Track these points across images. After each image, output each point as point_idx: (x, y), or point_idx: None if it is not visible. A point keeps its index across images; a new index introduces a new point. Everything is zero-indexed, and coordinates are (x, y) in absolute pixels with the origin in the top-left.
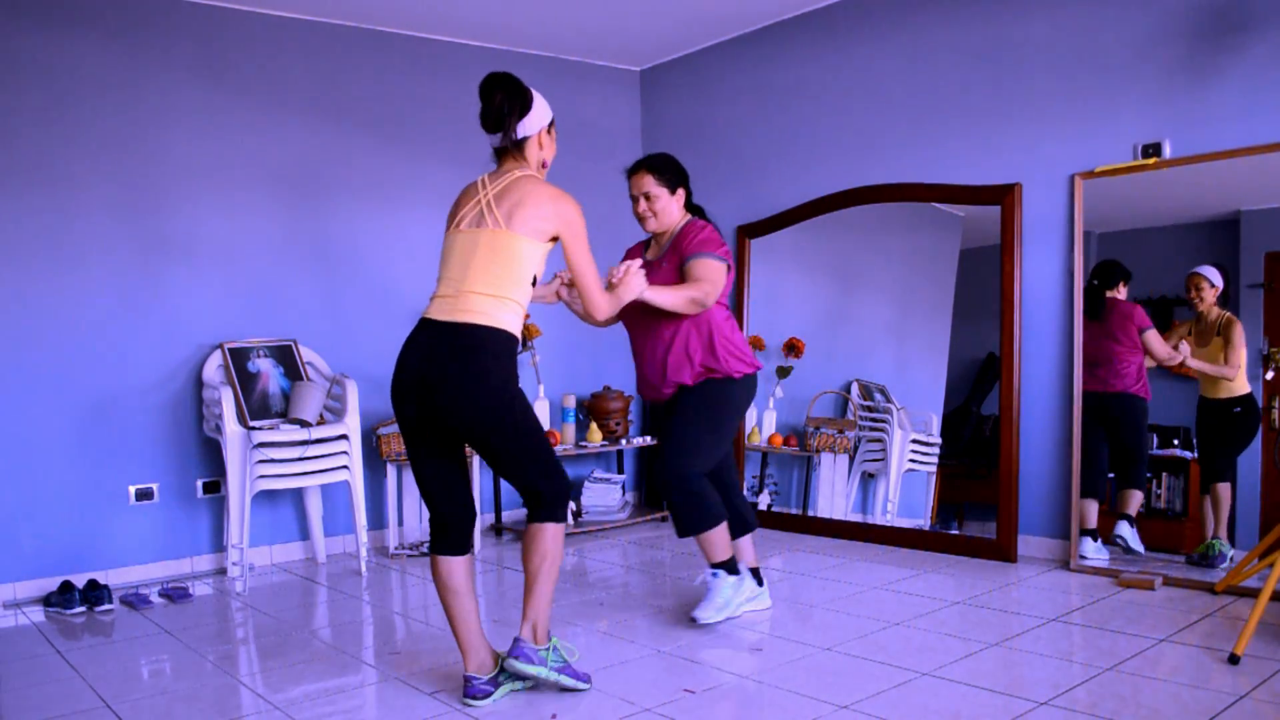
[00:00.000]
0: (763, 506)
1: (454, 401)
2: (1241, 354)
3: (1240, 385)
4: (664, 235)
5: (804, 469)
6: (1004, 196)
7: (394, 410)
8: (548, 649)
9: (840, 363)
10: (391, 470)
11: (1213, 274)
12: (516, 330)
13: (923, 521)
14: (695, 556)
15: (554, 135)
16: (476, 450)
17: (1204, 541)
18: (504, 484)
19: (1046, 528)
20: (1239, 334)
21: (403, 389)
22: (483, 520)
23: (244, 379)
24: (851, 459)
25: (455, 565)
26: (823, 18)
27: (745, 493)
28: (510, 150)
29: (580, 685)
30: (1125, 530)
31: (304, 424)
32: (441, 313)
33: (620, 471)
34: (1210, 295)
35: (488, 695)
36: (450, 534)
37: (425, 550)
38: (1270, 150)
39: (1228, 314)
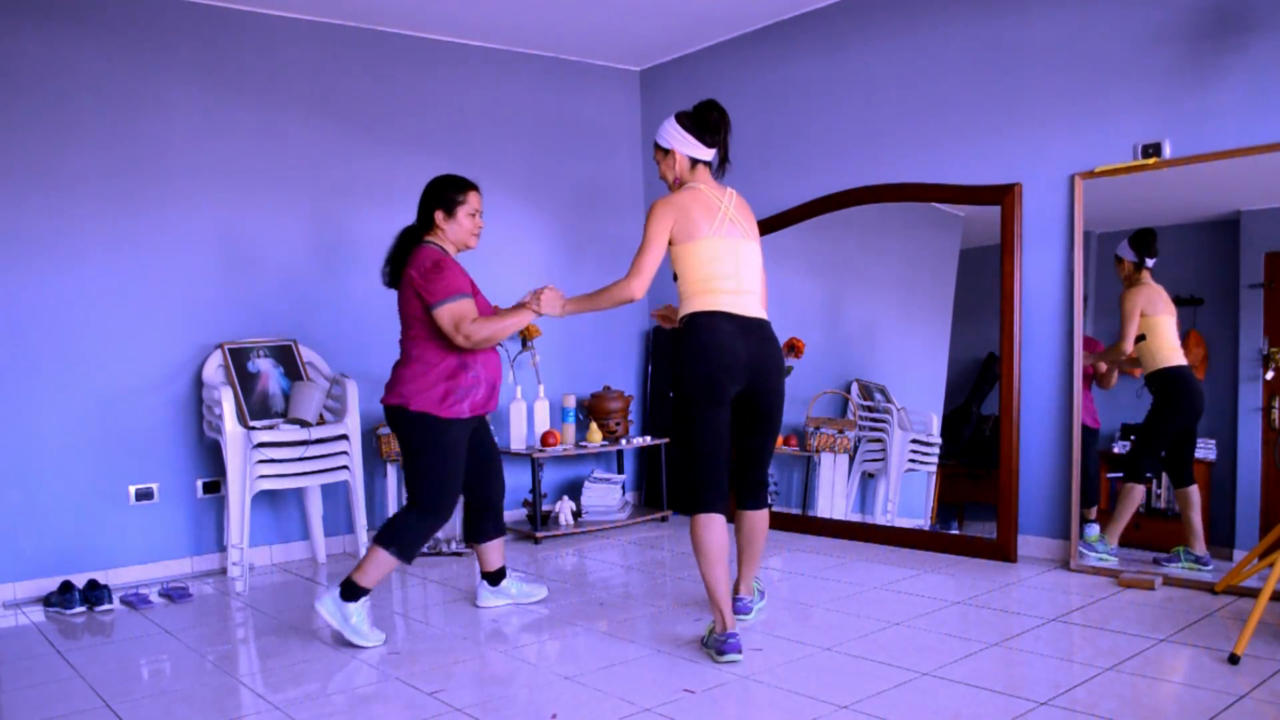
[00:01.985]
0: None
1: (776, 382)
2: (1126, 326)
3: (1154, 359)
4: None
5: (804, 469)
6: (1004, 196)
7: (709, 386)
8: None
9: (840, 363)
10: (391, 470)
11: (1120, 249)
12: None
13: (923, 521)
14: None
15: None
16: (760, 426)
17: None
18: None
19: (1046, 528)
20: (1124, 303)
21: (737, 368)
22: None
23: (244, 379)
24: (851, 459)
25: (723, 523)
26: (823, 18)
27: None
28: (714, 166)
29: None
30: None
31: (304, 424)
32: (742, 308)
33: (620, 471)
34: (1121, 273)
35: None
36: (723, 494)
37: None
38: (1270, 150)
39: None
